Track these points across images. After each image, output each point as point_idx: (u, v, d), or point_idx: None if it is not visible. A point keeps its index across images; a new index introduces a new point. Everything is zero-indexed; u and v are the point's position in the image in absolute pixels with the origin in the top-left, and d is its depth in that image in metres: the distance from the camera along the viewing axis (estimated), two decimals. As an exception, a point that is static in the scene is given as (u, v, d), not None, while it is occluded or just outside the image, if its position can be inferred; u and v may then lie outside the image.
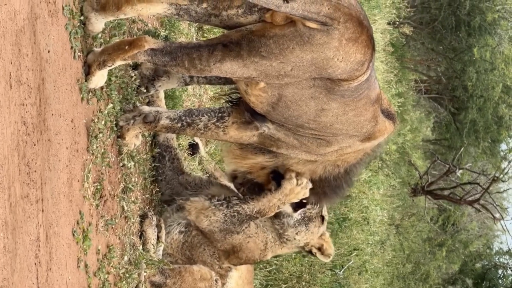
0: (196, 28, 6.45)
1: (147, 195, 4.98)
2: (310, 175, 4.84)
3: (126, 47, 4.13)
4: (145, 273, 4.62)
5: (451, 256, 18.95)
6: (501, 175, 17.69)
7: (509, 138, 19.84)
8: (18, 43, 3.28)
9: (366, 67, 4.17)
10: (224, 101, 4.74)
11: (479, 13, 17.99)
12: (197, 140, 5.80)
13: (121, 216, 4.46)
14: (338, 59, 4.07)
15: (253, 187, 4.97)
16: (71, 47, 3.94)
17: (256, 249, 5.07)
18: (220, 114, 4.56)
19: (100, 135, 4.19)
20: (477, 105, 18.56)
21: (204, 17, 4.14)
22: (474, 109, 18.59)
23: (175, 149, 5.30)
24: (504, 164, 19.59)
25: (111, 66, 4.15)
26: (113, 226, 4.32)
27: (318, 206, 5.11)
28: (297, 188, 4.83)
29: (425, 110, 20.99)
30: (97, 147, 4.17)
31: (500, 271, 19.54)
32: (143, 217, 4.78)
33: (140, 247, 4.65)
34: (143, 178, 4.89)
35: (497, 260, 20.19)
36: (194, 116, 4.57)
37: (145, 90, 4.83)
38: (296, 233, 5.12)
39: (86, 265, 3.96)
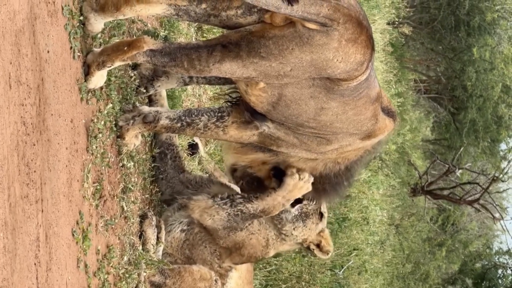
0: (196, 28, 6.45)
1: (146, 195, 4.98)
2: (310, 172, 4.84)
3: (125, 48, 4.14)
4: (144, 273, 4.62)
5: (451, 256, 18.96)
6: (501, 175, 17.69)
7: (508, 138, 19.85)
8: (17, 43, 3.28)
9: (365, 66, 4.18)
10: (223, 101, 4.74)
11: (478, 13, 18.00)
12: (196, 140, 5.80)
13: (120, 216, 4.47)
14: (337, 60, 4.07)
15: (252, 181, 4.97)
16: (71, 47, 3.94)
17: (258, 245, 5.07)
18: (219, 114, 4.56)
19: (100, 135, 4.19)
20: (477, 105, 18.57)
21: (203, 17, 4.14)
22: (473, 109, 18.59)
23: (177, 147, 5.30)
24: (503, 164, 19.60)
25: (110, 66, 4.15)
26: (113, 226, 4.32)
27: (316, 202, 5.10)
28: (300, 183, 4.81)
29: (424, 110, 20.99)
30: (96, 147, 4.17)
31: (500, 271, 19.55)
32: (143, 217, 4.78)
33: (140, 247, 4.65)
34: (142, 178, 4.89)
35: (496, 260, 20.20)
36: (193, 116, 4.57)
37: (144, 90, 4.83)
38: (294, 229, 5.12)
39: (85, 265, 3.96)
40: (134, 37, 4.81)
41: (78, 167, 3.94)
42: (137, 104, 4.68)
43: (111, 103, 4.40)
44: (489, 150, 19.57)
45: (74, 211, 3.85)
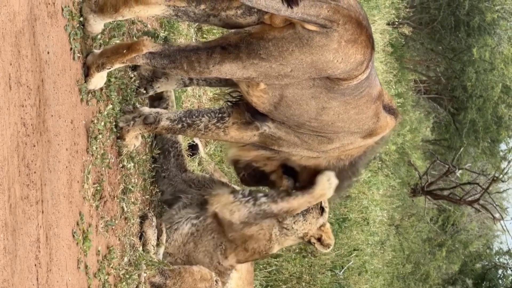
0: (196, 29, 6.45)
1: (147, 196, 4.98)
2: (314, 168, 4.84)
3: (125, 51, 4.14)
4: (145, 274, 4.62)
5: (451, 256, 18.95)
6: (501, 175, 17.67)
7: (508, 138, 19.83)
8: (17, 44, 3.28)
9: (365, 66, 4.19)
10: (224, 101, 4.75)
11: (478, 13, 17.99)
12: (196, 141, 5.80)
13: (121, 217, 4.47)
14: (337, 61, 4.08)
15: (254, 173, 4.96)
16: (71, 48, 3.94)
17: (263, 239, 5.08)
18: (220, 115, 4.56)
19: (100, 136, 4.19)
20: (477, 105, 18.56)
21: (203, 17, 4.14)
22: (473, 109, 18.58)
23: (181, 144, 5.29)
24: (503, 164, 19.58)
25: (109, 68, 4.15)
26: (113, 227, 4.32)
27: None
28: (329, 191, 4.85)
29: (424, 111, 20.98)
30: (96, 148, 4.17)
31: (500, 271, 19.54)
32: (143, 218, 4.78)
33: (140, 248, 4.65)
34: (143, 179, 4.89)
35: (497, 260, 20.19)
36: (194, 117, 4.57)
37: (144, 91, 4.83)
38: (294, 222, 5.12)
39: (86, 266, 3.96)
40: (134, 38, 4.82)
41: (78, 168, 3.94)
42: (137, 105, 4.68)
43: (111, 104, 4.41)
44: (489, 151, 19.56)
45: (75, 212, 3.85)
